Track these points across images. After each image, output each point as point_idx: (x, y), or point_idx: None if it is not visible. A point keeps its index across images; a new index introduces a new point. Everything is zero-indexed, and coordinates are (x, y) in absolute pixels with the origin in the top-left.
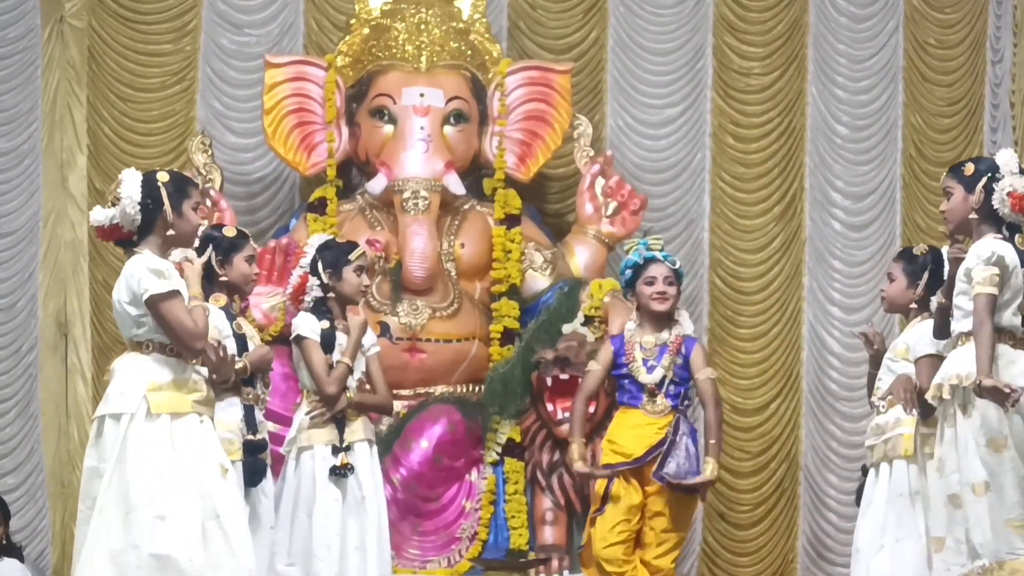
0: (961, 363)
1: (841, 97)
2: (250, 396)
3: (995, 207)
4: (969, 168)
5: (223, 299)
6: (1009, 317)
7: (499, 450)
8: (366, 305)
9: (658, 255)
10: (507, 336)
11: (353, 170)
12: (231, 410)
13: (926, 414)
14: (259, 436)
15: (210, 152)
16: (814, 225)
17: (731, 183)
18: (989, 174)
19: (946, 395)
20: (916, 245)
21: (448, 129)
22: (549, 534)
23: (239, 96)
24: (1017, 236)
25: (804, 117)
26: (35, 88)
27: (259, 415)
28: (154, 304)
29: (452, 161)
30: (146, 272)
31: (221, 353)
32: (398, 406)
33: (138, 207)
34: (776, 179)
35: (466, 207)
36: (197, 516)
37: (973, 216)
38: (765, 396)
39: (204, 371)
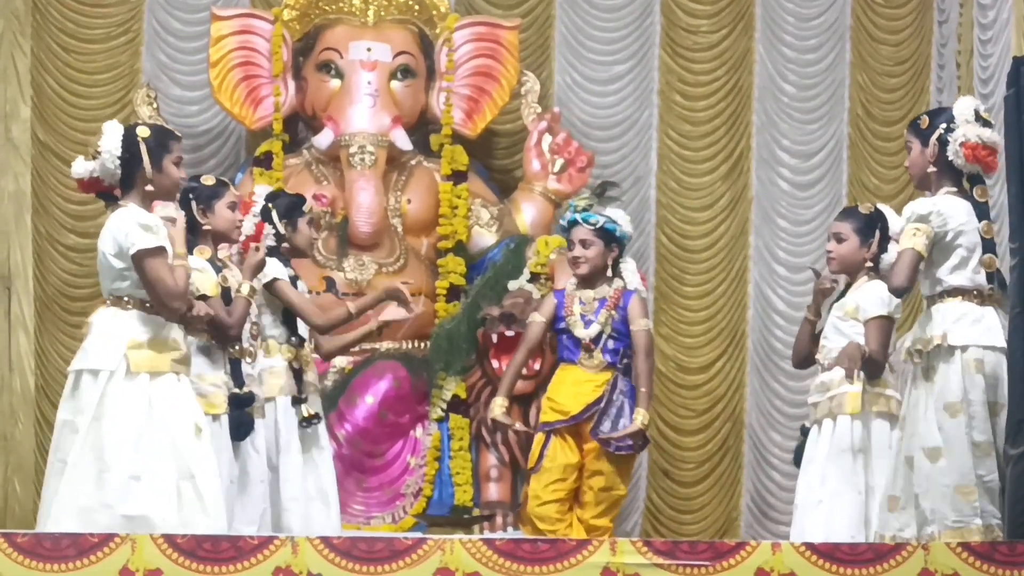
0: (927, 326)
1: (788, 56)
2: (236, 349)
3: (950, 159)
4: (924, 121)
5: (208, 251)
6: (970, 275)
7: (444, 406)
8: (312, 260)
9: (578, 217)
10: (453, 292)
11: (300, 124)
12: (217, 363)
13: (873, 375)
14: (245, 390)
15: (155, 105)
16: (760, 184)
17: (678, 141)
18: (944, 125)
19: (915, 359)
20: (860, 204)
21: (395, 84)
22: (494, 491)
23: (184, 48)
24: (976, 188)
25: (751, 75)
26: None
27: (246, 368)
28: (139, 259)
29: (399, 116)
30: (134, 226)
31: (201, 312)
32: (344, 361)
33: (117, 161)
34: (723, 137)
35: (413, 163)
36: (172, 476)
37: (931, 169)
38: (710, 354)
39: (179, 328)
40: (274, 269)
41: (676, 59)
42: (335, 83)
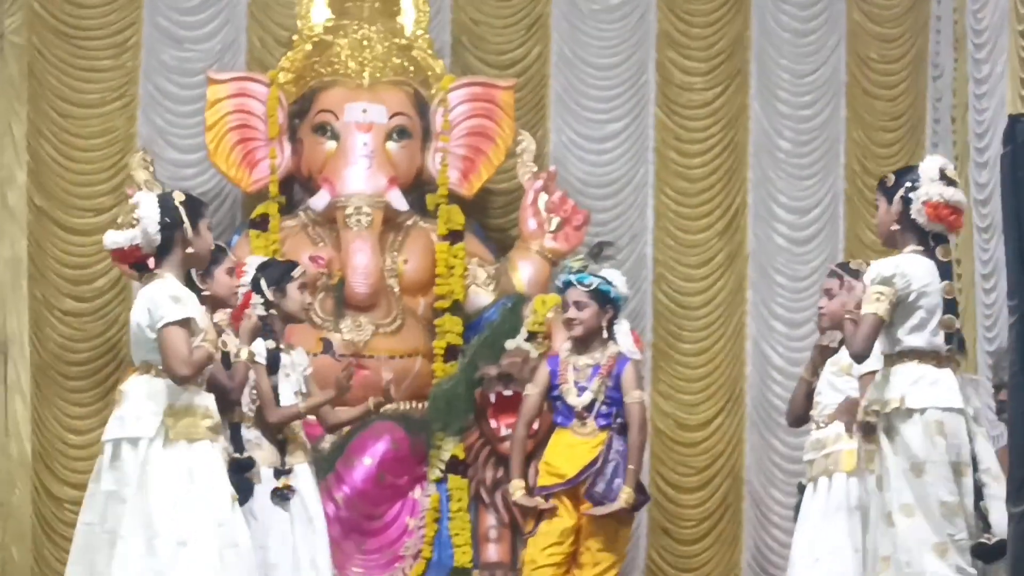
0: (884, 388)
1: (784, 112)
2: (236, 414)
3: (914, 218)
4: (890, 179)
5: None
6: (928, 337)
7: (442, 467)
8: (309, 322)
9: (572, 279)
10: (450, 352)
11: (295, 186)
12: None
13: (868, 431)
14: (245, 455)
15: (151, 168)
16: (757, 240)
17: (674, 198)
18: (908, 183)
19: (871, 419)
20: (851, 260)
21: (391, 145)
22: (493, 551)
23: (180, 112)
24: (939, 248)
25: (747, 132)
26: None
27: (246, 433)
28: (162, 328)
29: (395, 177)
30: (166, 298)
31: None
32: None
33: (158, 227)
34: (719, 194)
35: (409, 223)
36: (215, 543)
37: (895, 227)
38: (709, 411)
39: (212, 397)
40: (254, 348)
41: (671, 116)
42: (331, 145)
